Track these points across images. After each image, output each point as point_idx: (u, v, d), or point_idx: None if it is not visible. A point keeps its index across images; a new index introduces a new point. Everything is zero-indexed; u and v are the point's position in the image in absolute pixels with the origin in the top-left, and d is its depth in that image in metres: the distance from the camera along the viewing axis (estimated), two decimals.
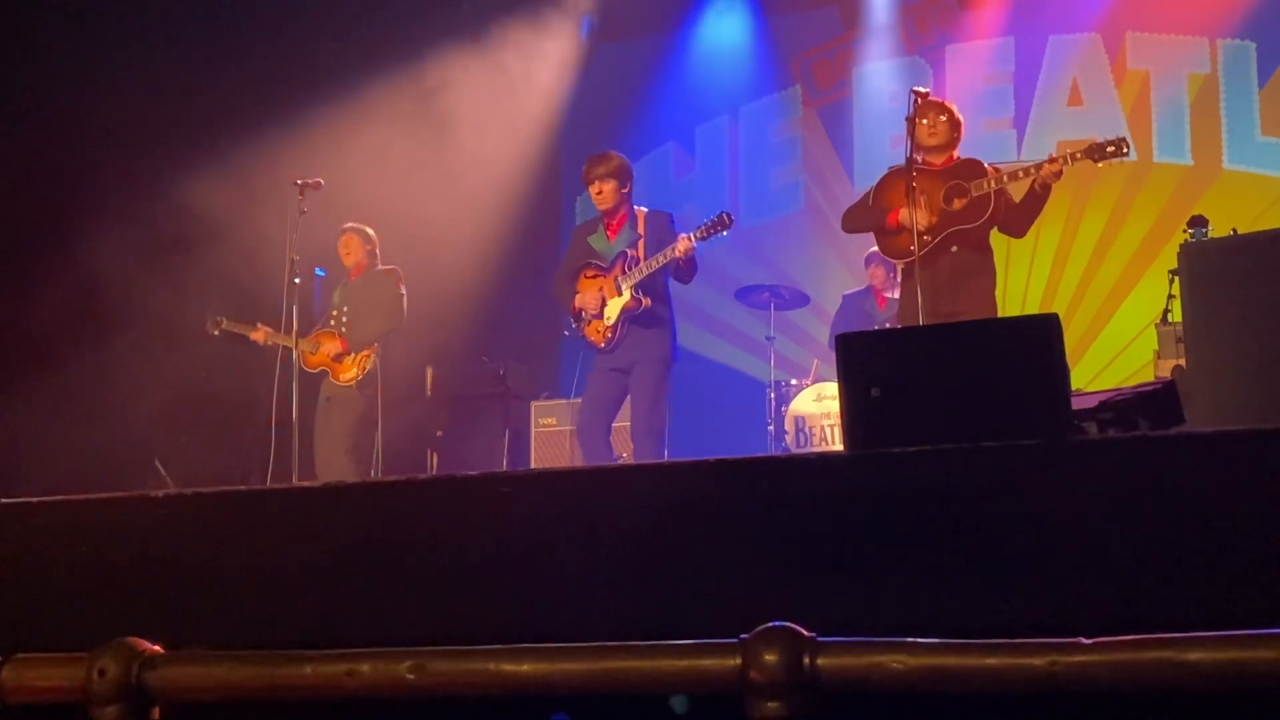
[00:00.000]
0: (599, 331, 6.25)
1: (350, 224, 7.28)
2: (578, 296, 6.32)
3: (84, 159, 7.30)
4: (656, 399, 6.21)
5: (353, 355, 6.99)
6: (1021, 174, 5.59)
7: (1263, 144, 8.45)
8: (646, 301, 6.17)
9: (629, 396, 6.32)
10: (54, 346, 7.11)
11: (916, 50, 9.47)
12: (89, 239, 7.08)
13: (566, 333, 6.50)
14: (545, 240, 9.72)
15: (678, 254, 6.05)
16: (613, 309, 6.20)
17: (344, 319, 7.06)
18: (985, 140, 8.32)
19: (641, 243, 6.21)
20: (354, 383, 6.96)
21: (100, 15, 7.35)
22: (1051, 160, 5.49)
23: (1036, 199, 5.61)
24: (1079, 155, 5.49)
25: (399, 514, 2.32)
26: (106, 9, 7.37)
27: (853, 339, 2.40)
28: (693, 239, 6.07)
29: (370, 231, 7.29)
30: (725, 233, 6.17)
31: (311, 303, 7.26)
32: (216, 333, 7.32)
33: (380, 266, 7.27)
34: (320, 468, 6.91)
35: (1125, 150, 5.48)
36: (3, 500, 2.55)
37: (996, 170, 5.68)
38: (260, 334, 7.15)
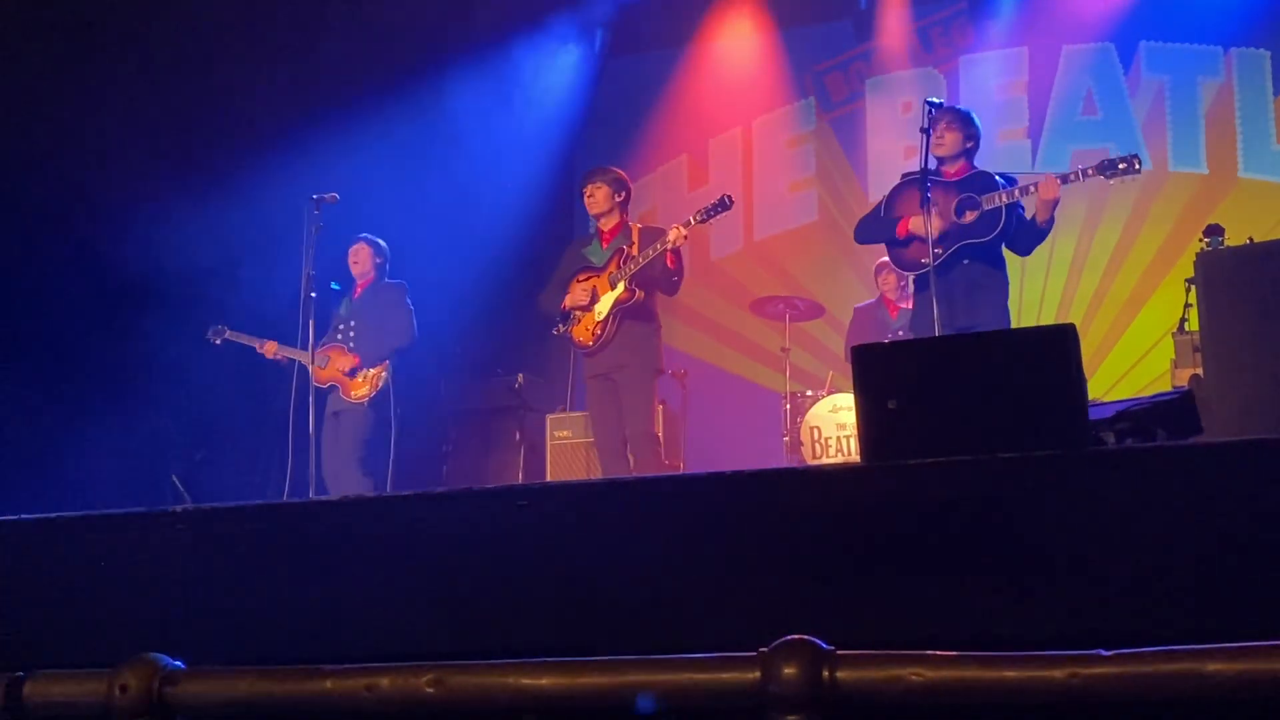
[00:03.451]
0: (588, 329, 6.28)
1: (364, 234, 7.24)
2: (568, 297, 6.37)
3: (98, 171, 7.32)
4: (649, 407, 6.25)
5: (365, 372, 6.94)
6: (1033, 189, 5.60)
7: (1278, 152, 8.43)
8: (640, 294, 6.20)
9: (621, 407, 6.35)
10: (71, 364, 7.13)
11: (930, 61, 9.46)
12: (103, 255, 7.11)
13: (555, 332, 6.52)
14: (558, 253, 9.71)
15: (669, 243, 6.07)
16: (605, 303, 6.24)
17: (351, 333, 7.03)
18: (1000, 151, 8.31)
19: (635, 247, 6.26)
20: (365, 399, 6.91)
21: (109, 34, 7.38)
22: (1049, 180, 5.51)
23: (1039, 230, 5.66)
24: (1091, 171, 5.50)
25: (416, 528, 2.33)
26: (114, 29, 7.39)
27: (868, 350, 2.40)
28: (690, 222, 6.12)
29: (383, 244, 7.25)
30: (726, 214, 6.24)
31: (327, 317, 7.24)
32: (218, 341, 7.26)
33: (387, 280, 7.23)
34: (330, 483, 6.88)
35: (1137, 167, 5.48)
36: (24, 517, 2.56)
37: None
38: (271, 347, 7.09)
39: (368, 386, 6.91)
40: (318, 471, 6.74)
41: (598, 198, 6.38)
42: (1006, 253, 5.87)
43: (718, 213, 6.19)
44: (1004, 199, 5.58)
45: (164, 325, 7.25)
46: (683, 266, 6.29)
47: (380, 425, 6.92)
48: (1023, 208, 5.78)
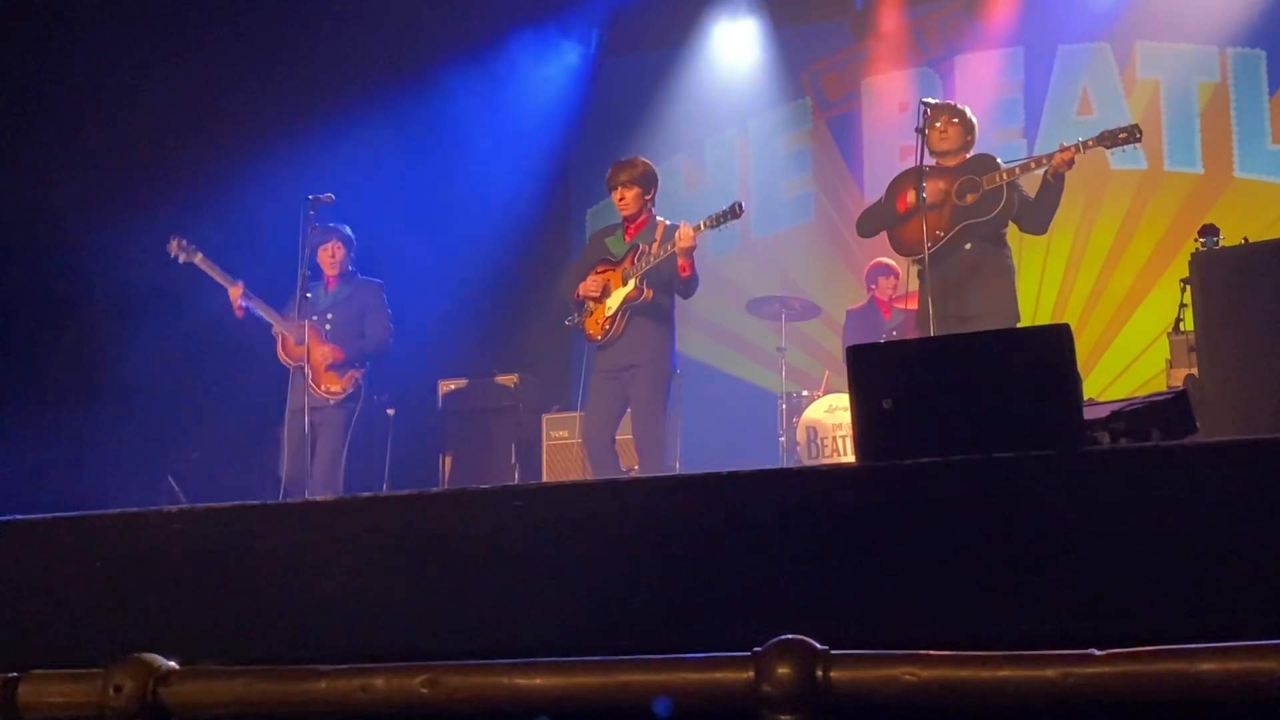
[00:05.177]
0: (597, 321, 6.26)
1: (332, 226, 6.98)
2: (582, 285, 6.34)
3: (94, 170, 7.33)
4: (656, 408, 6.21)
5: (346, 369, 6.81)
6: (1034, 165, 5.59)
7: (1273, 152, 8.44)
8: (649, 293, 6.16)
9: (629, 407, 6.32)
10: (66, 363, 7.13)
11: (926, 61, 9.47)
12: (94, 254, 7.10)
13: (567, 323, 6.48)
14: (555, 253, 9.74)
15: (679, 245, 6.03)
16: (615, 298, 6.22)
17: (328, 325, 6.84)
18: (996, 150, 8.24)
19: (656, 245, 6.23)
20: (338, 398, 6.75)
21: (100, 35, 7.37)
22: (1062, 149, 5.47)
23: (1051, 190, 5.58)
24: (1091, 143, 5.48)
25: (412, 528, 2.33)
26: (103, 28, 7.38)
27: (863, 350, 2.40)
28: (700, 227, 6.08)
29: (350, 234, 7.05)
30: (735, 221, 6.19)
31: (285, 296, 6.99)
32: (181, 260, 6.89)
33: (365, 277, 7.09)
34: (294, 478, 6.68)
35: (1138, 136, 5.45)
36: (19, 517, 2.56)
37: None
38: (238, 291, 6.77)
39: (344, 384, 6.81)
40: (291, 467, 6.60)
41: (628, 200, 6.27)
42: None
43: (728, 220, 6.13)
44: (1004, 177, 5.57)
45: (159, 325, 7.25)
46: (696, 274, 6.24)
47: (346, 425, 6.80)
48: (1021, 188, 5.76)
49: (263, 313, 6.80)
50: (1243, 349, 3.00)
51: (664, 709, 1.66)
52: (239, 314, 6.82)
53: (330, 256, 6.99)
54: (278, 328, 6.77)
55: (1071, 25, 8.98)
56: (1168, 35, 8.75)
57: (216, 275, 6.88)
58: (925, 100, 5.77)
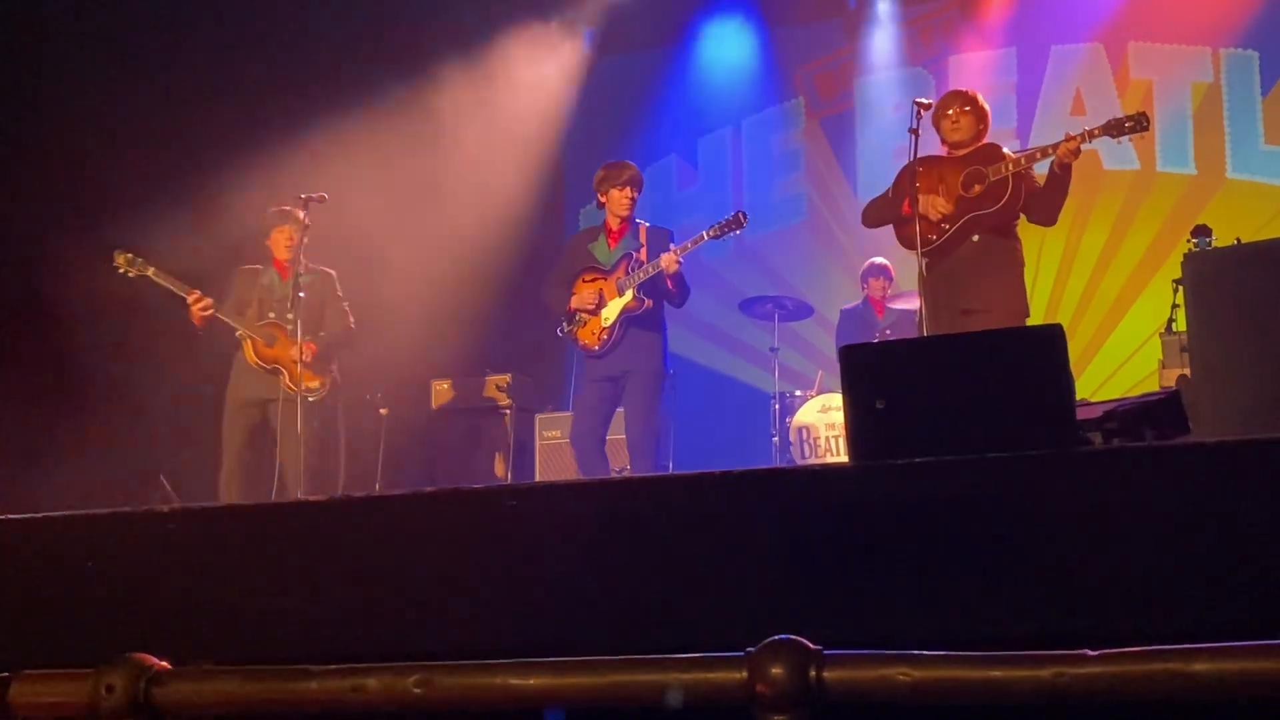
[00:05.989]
0: (594, 333, 6.22)
1: (289, 208, 6.60)
2: (574, 298, 6.30)
3: (90, 171, 7.31)
4: (651, 411, 6.20)
5: (323, 365, 6.58)
6: (1039, 155, 5.54)
7: (1266, 153, 8.45)
8: (649, 302, 6.16)
9: (622, 407, 6.31)
10: (60, 363, 7.11)
11: (919, 61, 9.48)
12: (89, 256, 7.08)
13: (559, 333, 6.45)
14: (549, 252, 9.69)
15: (665, 269, 6.04)
16: (612, 309, 6.20)
17: (289, 314, 6.51)
18: None
19: (644, 250, 6.22)
20: (318, 394, 6.55)
21: (105, 29, 7.35)
22: (1069, 138, 5.42)
23: (1057, 180, 5.51)
24: (1097, 131, 5.39)
25: (405, 528, 2.32)
26: (110, 25, 7.37)
27: (856, 350, 2.40)
28: (703, 237, 6.09)
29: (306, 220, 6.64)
30: (739, 231, 6.20)
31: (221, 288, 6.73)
32: (132, 274, 6.50)
33: (321, 267, 6.78)
34: (248, 470, 6.56)
35: (1144, 124, 5.36)
36: (11, 516, 2.55)
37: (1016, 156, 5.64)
38: (204, 304, 6.41)
39: (322, 380, 6.58)
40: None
41: (633, 200, 6.29)
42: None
43: (731, 230, 6.15)
44: (1010, 168, 5.52)
45: (152, 324, 7.22)
46: (686, 285, 6.24)
47: (326, 422, 6.69)
48: (1030, 179, 5.72)
49: (225, 319, 6.53)
50: (1235, 349, 3.00)
51: (676, 700, 1.65)
52: (199, 324, 6.50)
53: (288, 240, 6.65)
54: (243, 332, 6.54)
55: (1064, 26, 8.99)
56: (1161, 36, 8.77)
57: (172, 286, 6.52)
58: (918, 100, 5.75)
